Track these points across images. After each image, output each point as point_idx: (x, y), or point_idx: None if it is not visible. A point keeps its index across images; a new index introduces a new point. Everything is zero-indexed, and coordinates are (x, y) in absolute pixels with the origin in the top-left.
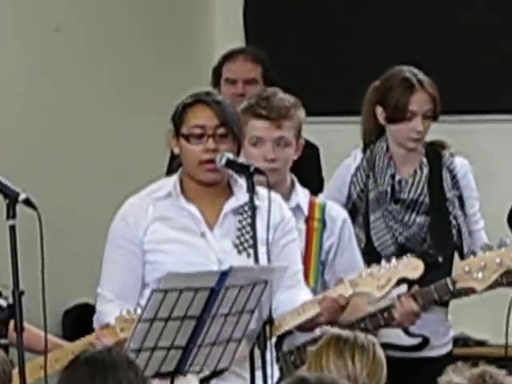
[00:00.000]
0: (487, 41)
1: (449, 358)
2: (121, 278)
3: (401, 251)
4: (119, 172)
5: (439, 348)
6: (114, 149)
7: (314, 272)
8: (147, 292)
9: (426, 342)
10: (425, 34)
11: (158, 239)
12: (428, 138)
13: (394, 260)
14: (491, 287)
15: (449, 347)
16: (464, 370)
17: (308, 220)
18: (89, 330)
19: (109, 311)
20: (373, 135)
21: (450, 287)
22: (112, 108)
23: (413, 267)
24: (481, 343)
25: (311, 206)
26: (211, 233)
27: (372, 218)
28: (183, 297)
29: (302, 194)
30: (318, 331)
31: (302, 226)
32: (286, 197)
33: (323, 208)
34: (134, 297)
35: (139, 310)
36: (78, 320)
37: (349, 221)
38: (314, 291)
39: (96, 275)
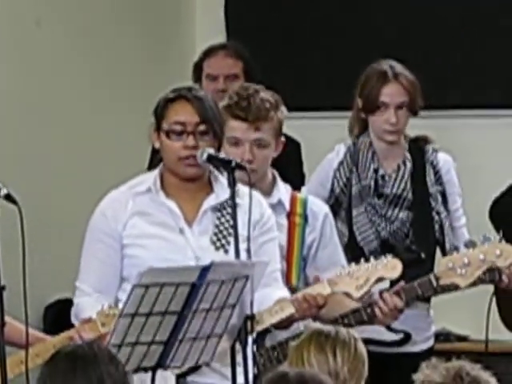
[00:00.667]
0: (474, 35)
1: (430, 354)
2: (99, 271)
3: (383, 246)
4: (100, 167)
5: (421, 343)
6: (94, 144)
7: (296, 268)
8: (125, 286)
9: (407, 337)
10: (410, 27)
11: (137, 234)
12: (412, 133)
13: (372, 259)
14: (474, 284)
15: (430, 342)
16: (439, 366)
17: (290, 215)
18: (70, 325)
19: (86, 304)
20: (357, 129)
21: (434, 283)
22: (93, 103)
23: (391, 267)
24: (462, 338)
25: (293, 201)
26: (190, 229)
27: (355, 212)
28: (164, 292)
29: (283, 190)
30: (301, 326)
31: (284, 222)
32: (268, 193)
33: (305, 203)
34: (111, 290)
35: (120, 305)
36: (60, 315)
37: (330, 216)
38: (296, 289)
39: (77, 270)
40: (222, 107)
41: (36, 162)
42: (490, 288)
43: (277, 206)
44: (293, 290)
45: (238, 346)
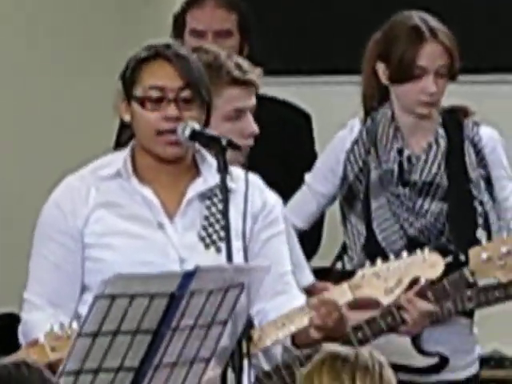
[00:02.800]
0: None
1: (474, 383)
2: (53, 279)
3: (411, 247)
4: (55, 146)
5: (461, 370)
6: (50, 116)
7: None
8: (87, 297)
9: (444, 361)
10: None
11: (102, 231)
12: (446, 102)
13: (405, 255)
14: None
15: (474, 369)
16: None
17: None
18: (17, 346)
19: (38, 322)
20: (374, 100)
21: (469, 279)
22: (48, 66)
23: (430, 264)
24: None
25: None
26: (171, 224)
27: (374, 204)
28: (135, 305)
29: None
30: None
31: None
32: None
33: None
34: (70, 303)
35: (75, 325)
36: (2, 333)
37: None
38: None
39: (23, 279)
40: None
41: None
42: None
43: None
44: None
45: (230, 374)
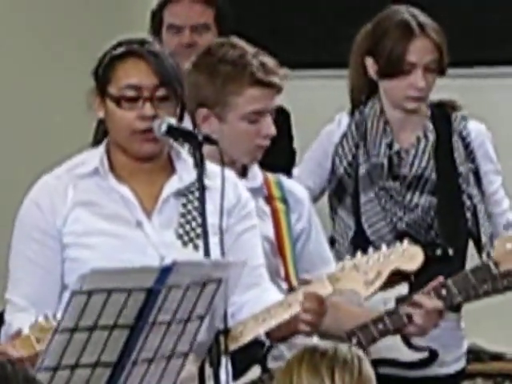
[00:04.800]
0: None
1: (462, 377)
2: (34, 279)
3: (401, 241)
4: (30, 144)
5: (450, 364)
6: (25, 112)
7: (293, 263)
8: (67, 296)
9: (433, 356)
10: None
11: (81, 231)
12: (435, 96)
13: (384, 248)
14: None
15: (462, 363)
16: None
17: (269, 200)
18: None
19: (21, 321)
20: (363, 93)
21: (493, 270)
22: (22, 62)
23: (409, 257)
24: (497, 357)
25: (266, 183)
26: (149, 222)
27: (363, 199)
28: (112, 300)
29: (258, 169)
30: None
31: (266, 208)
32: (242, 173)
33: (280, 185)
34: (52, 302)
35: (60, 315)
36: None
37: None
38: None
39: (3, 279)
40: (225, 74)
41: None
42: None
43: (257, 190)
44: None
45: (208, 370)
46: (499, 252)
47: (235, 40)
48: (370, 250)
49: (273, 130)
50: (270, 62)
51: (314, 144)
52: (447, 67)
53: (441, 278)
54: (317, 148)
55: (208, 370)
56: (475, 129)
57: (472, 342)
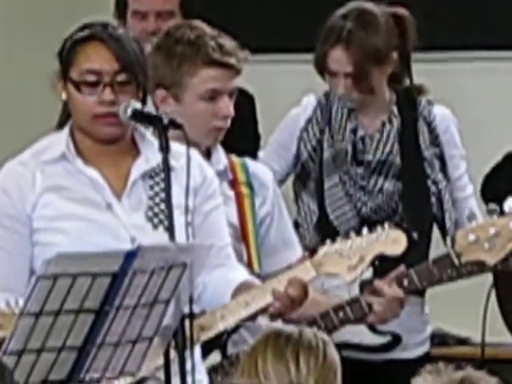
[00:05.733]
0: None
1: (426, 361)
2: (3, 264)
3: (364, 226)
4: None
5: (413, 348)
6: None
7: (255, 249)
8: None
9: (396, 340)
10: None
11: (52, 215)
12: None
13: (366, 231)
14: (505, 261)
15: (425, 347)
16: (444, 372)
17: (233, 184)
18: None
19: None
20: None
21: (455, 261)
22: None
23: (393, 241)
24: (462, 341)
25: (231, 166)
26: (119, 204)
27: (327, 184)
28: (78, 284)
29: (222, 152)
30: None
31: (230, 193)
32: (206, 157)
33: (245, 168)
34: (20, 287)
35: (21, 301)
36: None
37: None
38: (260, 276)
39: None
40: (180, 54)
41: None
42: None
43: (221, 174)
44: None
45: (173, 353)
46: (461, 243)
47: (196, 22)
48: (352, 234)
49: (230, 111)
50: (228, 43)
51: (280, 126)
52: (417, 51)
53: (403, 267)
54: (282, 130)
55: (173, 354)
56: (440, 113)
57: (437, 326)
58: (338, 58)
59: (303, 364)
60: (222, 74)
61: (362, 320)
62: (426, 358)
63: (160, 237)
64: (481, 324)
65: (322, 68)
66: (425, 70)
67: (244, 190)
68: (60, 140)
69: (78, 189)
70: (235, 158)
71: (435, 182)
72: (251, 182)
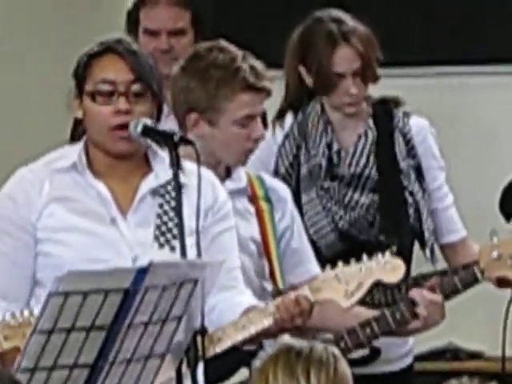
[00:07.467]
0: None
1: (407, 375)
2: (6, 273)
3: (343, 239)
4: (6, 139)
5: (395, 361)
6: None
7: (278, 264)
8: (39, 292)
9: (375, 353)
10: None
11: (55, 226)
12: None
13: (365, 258)
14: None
15: (407, 360)
16: None
17: (253, 200)
18: None
19: None
20: (302, 96)
21: (479, 277)
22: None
23: (391, 268)
24: (475, 356)
25: (249, 181)
26: (124, 220)
27: (304, 198)
28: (89, 301)
29: (241, 169)
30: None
31: (251, 208)
32: (226, 175)
33: (263, 182)
34: (21, 296)
35: (27, 313)
36: None
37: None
38: (282, 292)
39: None
40: (217, 79)
41: None
42: (508, 292)
43: (241, 191)
44: (279, 294)
45: (185, 369)
46: (485, 259)
47: (223, 43)
48: (352, 260)
49: (263, 134)
50: (258, 65)
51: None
52: (396, 66)
53: (435, 279)
54: (263, 147)
55: (185, 370)
56: (417, 125)
57: (448, 341)
58: (345, 56)
59: (314, 379)
60: (257, 98)
61: (404, 327)
62: (409, 372)
63: (165, 256)
64: (495, 338)
65: (327, 74)
66: (406, 85)
67: (263, 205)
68: (74, 151)
69: (84, 201)
70: (251, 172)
71: (412, 193)
72: (269, 196)
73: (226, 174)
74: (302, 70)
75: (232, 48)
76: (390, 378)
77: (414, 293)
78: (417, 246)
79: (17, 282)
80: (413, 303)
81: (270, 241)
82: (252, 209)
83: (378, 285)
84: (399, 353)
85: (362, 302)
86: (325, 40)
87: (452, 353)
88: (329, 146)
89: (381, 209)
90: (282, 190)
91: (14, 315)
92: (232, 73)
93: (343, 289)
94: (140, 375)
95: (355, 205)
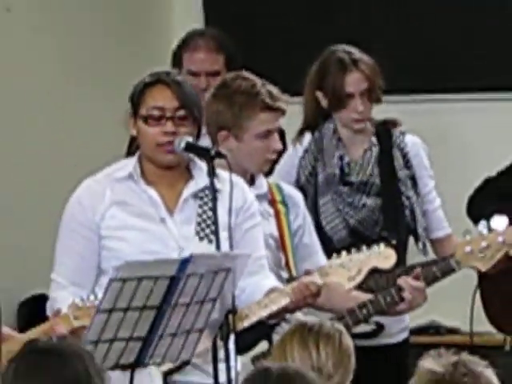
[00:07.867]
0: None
1: (405, 346)
2: (75, 263)
3: (352, 235)
4: (74, 155)
5: (395, 335)
6: (69, 132)
7: (293, 257)
8: (103, 279)
9: (380, 328)
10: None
11: (116, 226)
12: (380, 116)
13: (364, 249)
14: (494, 267)
15: (405, 334)
16: (444, 356)
17: (272, 203)
18: (45, 321)
19: (62, 298)
20: (319, 118)
21: (455, 268)
22: (68, 90)
23: (384, 257)
24: (453, 331)
25: (269, 188)
26: (171, 218)
27: (321, 201)
28: (142, 286)
29: (263, 177)
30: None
31: (271, 210)
32: (250, 182)
33: (280, 189)
34: (88, 283)
35: (92, 297)
36: (34, 312)
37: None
38: (293, 279)
39: (52, 264)
40: (243, 102)
41: (6, 151)
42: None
43: (263, 196)
44: (293, 280)
45: (219, 342)
46: (460, 253)
47: (245, 73)
48: (353, 250)
49: (280, 146)
50: (274, 89)
51: (284, 157)
52: (392, 94)
53: (419, 269)
54: (286, 160)
55: (219, 343)
56: (411, 141)
57: (431, 319)
58: (355, 80)
59: (322, 351)
60: (274, 116)
61: (393, 308)
62: (406, 344)
63: (203, 247)
64: (468, 316)
65: (339, 94)
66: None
67: (281, 208)
68: (130, 163)
69: (139, 204)
70: (270, 181)
71: (408, 198)
72: (286, 201)
73: (250, 182)
74: (319, 94)
75: (252, 76)
76: (391, 348)
77: (401, 280)
78: (411, 240)
79: (85, 272)
80: (400, 289)
81: (286, 237)
82: (271, 211)
83: (371, 273)
84: (399, 328)
85: (359, 287)
86: (338, 66)
87: (434, 329)
88: (341, 158)
89: (383, 210)
90: (296, 196)
91: (83, 299)
92: (253, 96)
93: (346, 274)
94: (183, 346)
95: (363, 207)
